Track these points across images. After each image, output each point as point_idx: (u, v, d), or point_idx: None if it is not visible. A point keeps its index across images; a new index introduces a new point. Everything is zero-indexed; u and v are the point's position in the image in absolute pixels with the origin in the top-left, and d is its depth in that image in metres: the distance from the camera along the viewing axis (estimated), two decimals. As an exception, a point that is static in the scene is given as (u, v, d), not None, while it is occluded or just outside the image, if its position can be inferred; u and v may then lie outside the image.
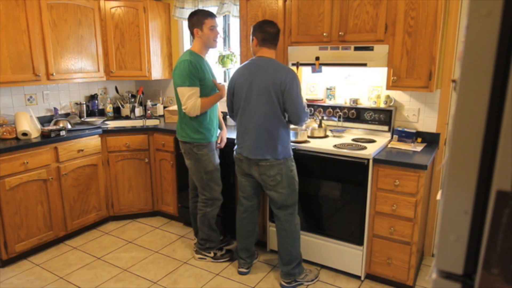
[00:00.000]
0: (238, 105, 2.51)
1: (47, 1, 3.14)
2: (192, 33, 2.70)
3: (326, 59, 2.80)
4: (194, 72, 2.57)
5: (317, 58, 2.81)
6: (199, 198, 2.89)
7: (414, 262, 2.49)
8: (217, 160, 2.84)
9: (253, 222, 2.74)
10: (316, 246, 2.82)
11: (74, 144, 3.20)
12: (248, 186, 2.64)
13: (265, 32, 2.43)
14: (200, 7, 3.74)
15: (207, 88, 2.69)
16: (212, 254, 2.97)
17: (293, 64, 2.89)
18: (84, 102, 3.86)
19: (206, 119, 2.72)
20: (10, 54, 2.94)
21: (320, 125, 3.01)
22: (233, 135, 3.11)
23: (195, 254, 3.02)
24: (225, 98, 2.72)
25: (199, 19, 2.64)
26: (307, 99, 3.30)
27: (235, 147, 2.61)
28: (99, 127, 3.47)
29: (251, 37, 2.51)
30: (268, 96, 2.36)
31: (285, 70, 2.38)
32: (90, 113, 3.95)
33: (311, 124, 3.03)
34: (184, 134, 2.73)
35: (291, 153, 2.53)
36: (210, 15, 2.67)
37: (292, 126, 2.65)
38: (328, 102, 3.24)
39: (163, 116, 4.06)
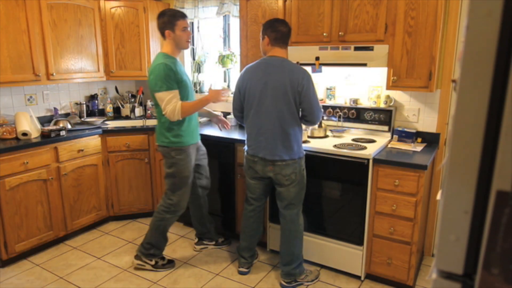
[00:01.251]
0: (251, 105, 2.46)
1: (47, 1, 3.14)
2: (162, 34, 2.60)
3: (326, 59, 2.80)
4: (170, 75, 2.49)
5: (317, 58, 2.81)
6: (162, 202, 2.79)
7: (414, 262, 2.49)
8: (192, 166, 2.77)
9: (260, 221, 2.75)
10: (316, 246, 2.82)
11: (74, 144, 3.20)
12: (258, 188, 2.62)
13: (277, 31, 2.40)
14: (200, 7, 3.74)
15: (185, 90, 2.62)
16: (153, 262, 2.85)
17: (293, 64, 2.89)
18: (84, 102, 3.86)
19: (185, 121, 2.64)
20: (10, 54, 2.94)
21: (320, 125, 3.00)
22: (233, 135, 3.12)
23: (134, 260, 2.88)
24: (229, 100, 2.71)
25: (170, 20, 2.53)
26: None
27: (246, 147, 2.58)
28: (99, 127, 3.47)
29: (261, 35, 2.47)
30: (285, 96, 2.34)
31: (301, 70, 2.37)
32: (90, 113, 3.95)
33: (311, 124, 3.03)
34: (164, 138, 2.65)
35: (304, 151, 2.54)
36: (182, 15, 2.57)
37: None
38: (328, 102, 3.24)
39: (163, 116, 4.05)
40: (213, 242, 3.16)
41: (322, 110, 2.49)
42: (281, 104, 2.36)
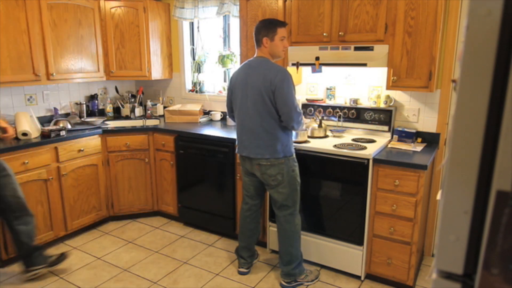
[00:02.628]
0: (236, 106, 2.54)
1: (47, 1, 3.14)
2: None
3: (326, 59, 2.80)
4: None
5: (317, 58, 2.81)
6: None
7: (414, 262, 2.49)
8: None
9: (256, 221, 2.75)
10: (316, 246, 2.82)
11: (74, 144, 3.20)
12: (251, 185, 2.65)
13: (254, 32, 2.48)
14: (200, 7, 3.74)
15: None
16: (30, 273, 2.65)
17: (293, 64, 2.89)
18: (84, 102, 3.86)
19: None
20: (10, 54, 2.94)
21: (320, 125, 3.00)
22: (233, 135, 3.12)
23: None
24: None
25: None
26: (307, 99, 3.30)
27: (237, 147, 2.62)
28: (99, 127, 3.47)
29: None
30: (260, 96, 2.36)
31: (275, 69, 2.35)
32: (90, 113, 3.95)
33: (311, 124, 3.02)
34: None
35: (293, 151, 2.52)
36: None
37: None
38: (328, 102, 3.24)
39: (163, 116, 4.06)
40: (43, 265, 2.75)
41: (301, 113, 2.39)
42: (258, 105, 2.38)
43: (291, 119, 2.36)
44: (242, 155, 2.56)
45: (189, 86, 4.19)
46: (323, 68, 2.86)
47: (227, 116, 3.59)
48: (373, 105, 3.00)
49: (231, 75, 3.88)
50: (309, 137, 2.95)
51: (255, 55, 2.51)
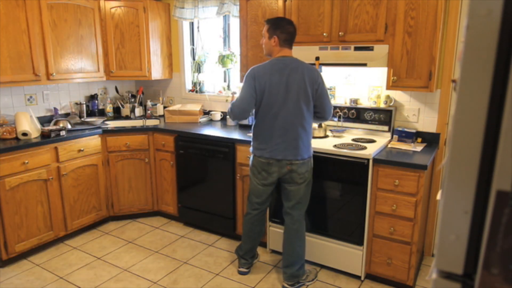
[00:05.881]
0: (270, 107, 2.39)
1: (47, 1, 3.14)
2: None
3: (326, 59, 2.80)
4: None
5: (317, 58, 2.81)
6: None
7: (414, 262, 2.49)
8: None
9: (263, 222, 2.75)
10: (316, 246, 2.82)
11: (74, 144, 3.20)
12: (266, 193, 2.59)
13: (288, 32, 2.40)
14: (200, 7, 3.74)
15: None
16: None
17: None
18: (84, 102, 3.86)
19: None
20: (10, 54, 2.94)
21: (320, 125, 3.00)
22: (233, 135, 3.12)
23: None
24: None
25: None
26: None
27: (258, 151, 2.49)
28: (99, 127, 3.47)
29: (267, 34, 2.41)
30: (306, 95, 2.39)
31: (315, 69, 2.46)
32: (90, 113, 3.95)
33: (311, 124, 3.03)
34: None
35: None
36: None
37: None
38: (328, 102, 3.24)
39: (163, 116, 4.06)
40: None
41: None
42: (302, 104, 2.39)
43: (330, 113, 2.54)
44: (272, 159, 2.43)
45: (189, 86, 4.19)
46: (323, 68, 2.86)
47: (227, 116, 3.59)
48: (373, 105, 3.00)
49: (231, 74, 3.91)
50: (309, 137, 2.95)
51: (280, 54, 2.41)
